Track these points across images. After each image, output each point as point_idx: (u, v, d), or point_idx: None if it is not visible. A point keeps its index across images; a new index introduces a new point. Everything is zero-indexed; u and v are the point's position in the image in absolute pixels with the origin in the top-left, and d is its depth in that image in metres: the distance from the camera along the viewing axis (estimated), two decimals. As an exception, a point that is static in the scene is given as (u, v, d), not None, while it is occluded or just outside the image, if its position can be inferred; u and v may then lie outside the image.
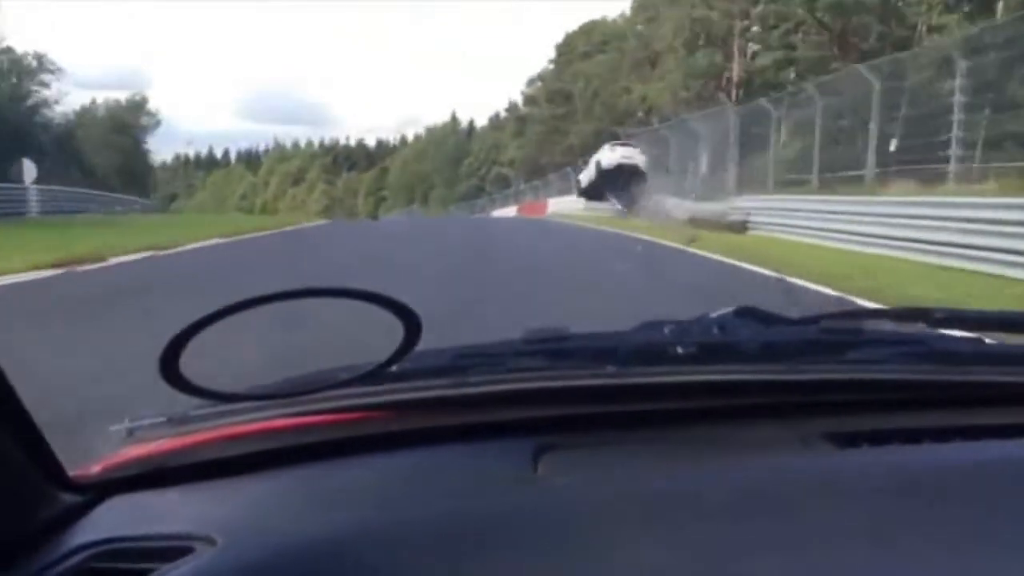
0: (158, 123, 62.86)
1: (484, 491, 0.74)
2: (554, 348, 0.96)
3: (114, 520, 0.75)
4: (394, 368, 0.80)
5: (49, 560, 0.69)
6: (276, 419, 0.82)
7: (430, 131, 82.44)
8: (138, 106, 59.17)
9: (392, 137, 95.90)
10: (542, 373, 0.89)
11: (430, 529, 0.67)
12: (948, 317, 1.08)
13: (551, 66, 54.51)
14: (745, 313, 1.05)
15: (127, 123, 52.20)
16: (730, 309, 1.05)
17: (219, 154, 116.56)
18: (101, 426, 0.89)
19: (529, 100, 57.51)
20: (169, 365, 0.70)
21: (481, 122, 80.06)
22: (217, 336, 0.74)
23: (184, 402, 0.80)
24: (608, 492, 0.72)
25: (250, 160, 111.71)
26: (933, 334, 1.06)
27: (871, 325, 1.07)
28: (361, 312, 0.76)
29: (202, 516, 0.73)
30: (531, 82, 57.90)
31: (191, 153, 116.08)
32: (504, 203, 49.16)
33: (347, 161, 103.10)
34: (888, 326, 1.09)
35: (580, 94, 45.19)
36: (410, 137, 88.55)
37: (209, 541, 0.67)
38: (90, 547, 0.70)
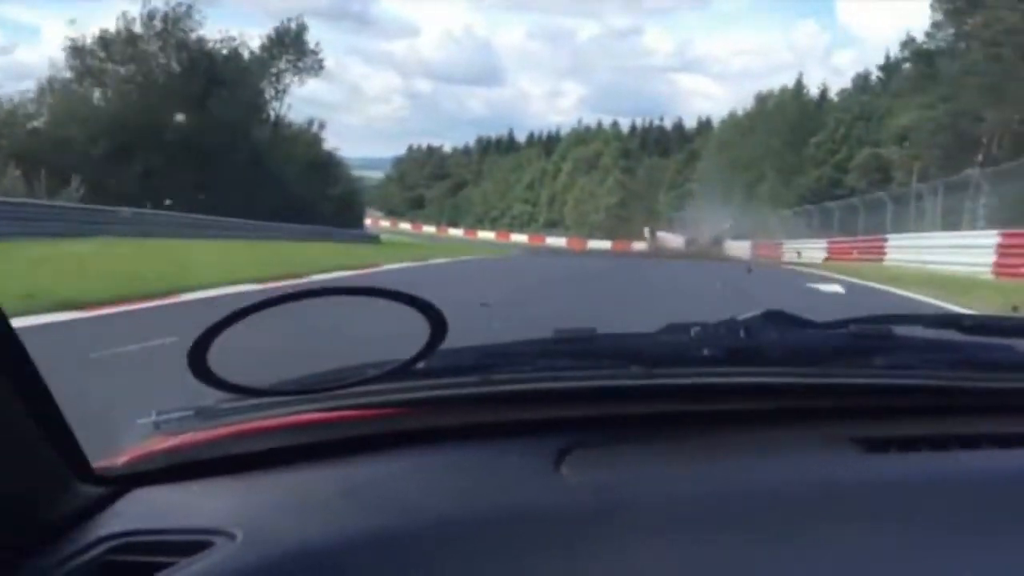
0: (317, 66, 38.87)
1: (507, 490, 0.78)
2: (580, 348, 0.98)
3: (136, 513, 0.80)
4: (420, 365, 0.84)
5: (70, 551, 0.72)
6: (302, 414, 0.87)
7: (760, 99, 53.53)
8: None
9: (720, 114, 70.07)
10: (567, 373, 0.92)
11: (453, 527, 0.70)
12: (978, 324, 1.11)
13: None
14: (772, 317, 1.04)
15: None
16: (758, 312, 1.05)
17: (521, 138, 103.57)
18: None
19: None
20: (197, 360, 0.74)
21: (836, 88, 51.11)
22: (246, 333, 0.80)
23: (212, 397, 0.86)
24: (631, 493, 0.75)
25: (550, 144, 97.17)
26: (963, 340, 1.08)
27: (900, 331, 1.07)
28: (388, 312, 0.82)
29: (223, 511, 0.76)
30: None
31: (492, 136, 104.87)
32: (902, 220, 26.47)
33: (657, 146, 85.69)
34: (918, 332, 1.09)
35: None
36: (740, 113, 66.22)
37: (229, 536, 0.70)
38: (110, 539, 0.74)
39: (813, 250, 30.88)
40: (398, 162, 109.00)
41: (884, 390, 0.92)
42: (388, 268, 16.30)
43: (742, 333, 1.00)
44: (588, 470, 0.78)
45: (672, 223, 55.70)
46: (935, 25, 37.23)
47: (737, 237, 41.13)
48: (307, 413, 0.86)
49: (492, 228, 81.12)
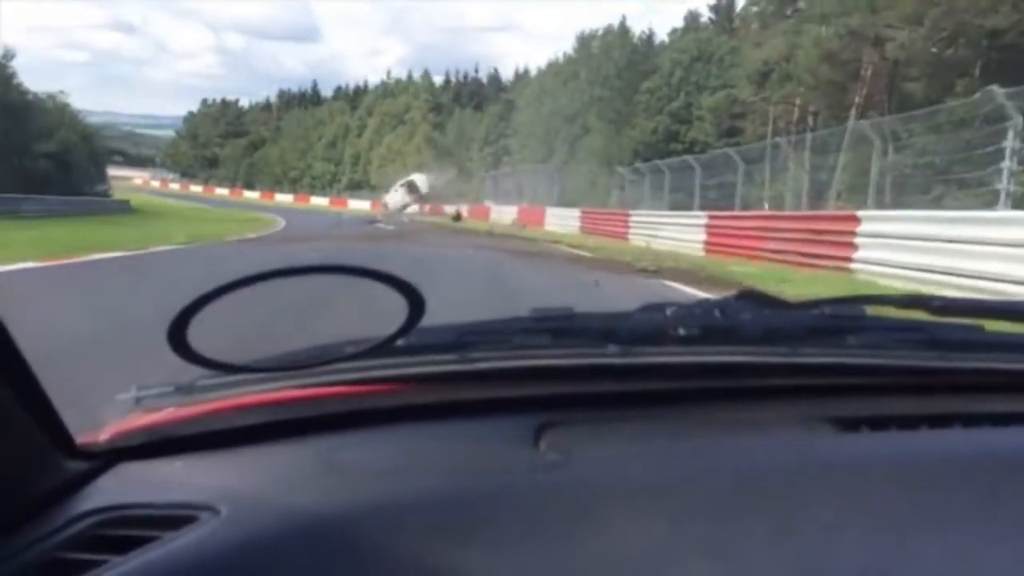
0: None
1: (486, 466, 0.81)
2: (558, 327, 1.00)
3: (120, 488, 0.81)
4: (400, 343, 0.86)
5: (54, 526, 0.73)
6: (281, 391, 0.89)
7: (582, 40, 44.99)
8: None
9: (536, 64, 65.15)
10: (546, 351, 0.95)
11: (433, 503, 0.73)
12: (948, 305, 1.13)
13: None
14: (747, 296, 1.08)
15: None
16: (732, 293, 1.10)
17: (328, 92, 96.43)
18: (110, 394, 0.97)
19: None
20: (178, 336, 0.74)
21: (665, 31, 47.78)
22: (226, 310, 0.82)
23: (193, 373, 0.87)
24: (608, 469, 0.78)
25: (357, 98, 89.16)
26: (933, 322, 1.10)
27: (872, 311, 1.09)
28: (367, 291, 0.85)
29: (207, 486, 0.78)
30: None
31: (294, 90, 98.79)
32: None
33: (472, 99, 77.03)
34: (889, 312, 1.12)
35: None
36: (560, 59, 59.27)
37: (213, 511, 0.72)
38: (95, 514, 0.74)
39: (669, 227, 20.29)
40: (190, 118, 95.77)
41: (858, 370, 0.94)
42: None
43: (717, 313, 1.01)
44: (566, 446, 0.80)
45: (484, 184, 46.41)
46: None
47: (560, 204, 32.25)
48: (287, 390, 0.87)
49: (292, 190, 71.31)
